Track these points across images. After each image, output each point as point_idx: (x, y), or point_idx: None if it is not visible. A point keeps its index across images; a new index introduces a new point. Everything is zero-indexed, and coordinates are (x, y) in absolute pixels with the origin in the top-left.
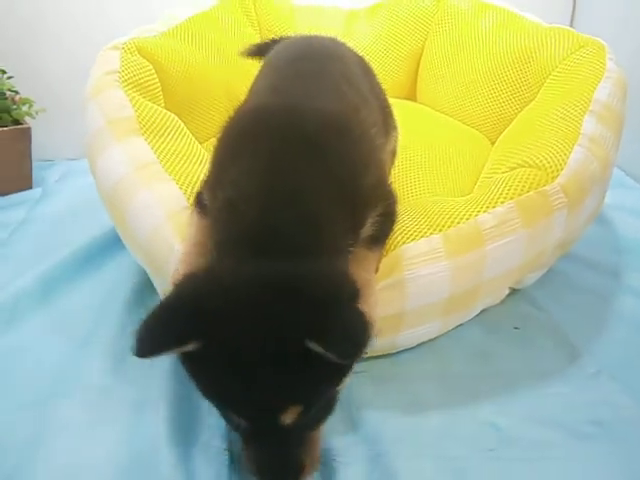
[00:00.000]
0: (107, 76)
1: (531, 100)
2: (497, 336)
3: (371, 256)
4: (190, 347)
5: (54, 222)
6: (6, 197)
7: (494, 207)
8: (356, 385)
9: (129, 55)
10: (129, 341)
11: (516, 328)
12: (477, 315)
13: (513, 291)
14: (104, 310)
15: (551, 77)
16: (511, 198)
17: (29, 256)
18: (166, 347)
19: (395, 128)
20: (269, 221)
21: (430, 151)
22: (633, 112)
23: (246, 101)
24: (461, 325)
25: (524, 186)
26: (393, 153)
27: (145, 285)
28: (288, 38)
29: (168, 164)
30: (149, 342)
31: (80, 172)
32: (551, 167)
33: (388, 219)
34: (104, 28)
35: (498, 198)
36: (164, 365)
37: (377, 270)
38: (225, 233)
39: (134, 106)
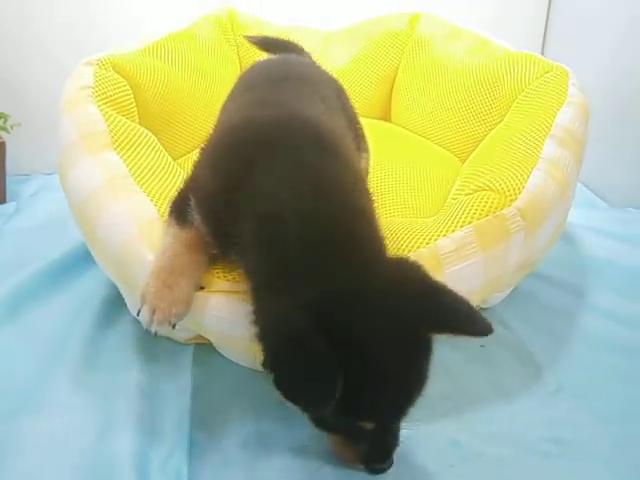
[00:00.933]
0: (81, 91)
1: (499, 123)
2: (463, 353)
3: None
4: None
5: (26, 236)
6: None
7: (454, 231)
8: None
9: (103, 71)
10: (97, 356)
11: (482, 346)
12: None
13: (480, 310)
14: (74, 324)
15: (517, 101)
16: (470, 222)
17: (0, 269)
18: (331, 394)
19: (366, 150)
20: (326, 238)
21: (402, 171)
22: (602, 130)
23: (225, 117)
24: None
25: (482, 209)
26: (365, 173)
27: (115, 299)
28: (264, 60)
29: (139, 177)
30: (314, 395)
31: (55, 187)
32: (509, 191)
33: None
34: (79, 44)
35: (458, 222)
36: (131, 380)
37: None
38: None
39: (107, 121)
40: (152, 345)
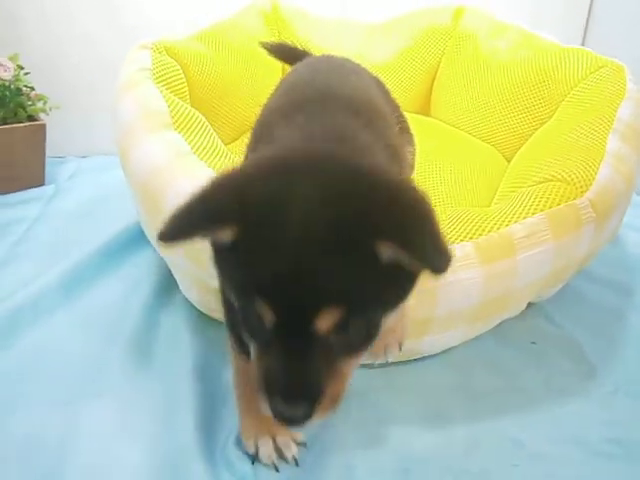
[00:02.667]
0: (140, 72)
1: (548, 118)
2: (514, 351)
3: None
4: (226, 233)
5: (68, 219)
6: (19, 193)
7: (524, 218)
8: (379, 397)
9: (158, 55)
10: (152, 339)
11: (533, 343)
12: (494, 328)
13: (529, 305)
14: (126, 308)
15: (570, 96)
16: (541, 210)
17: (46, 254)
18: (197, 229)
19: (412, 143)
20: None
21: (448, 165)
22: None
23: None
24: (479, 337)
25: (554, 199)
26: (411, 167)
27: (167, 281)
28: (307, 58)
29: (202, 155)
30: (179, 224)
31: (91, 170)
32: (580, 182)
33: None
34: (120, 29)
35: (529, 209)
36: (188, 364)
37: None
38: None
39: (167, 101)
40: (207, 327)
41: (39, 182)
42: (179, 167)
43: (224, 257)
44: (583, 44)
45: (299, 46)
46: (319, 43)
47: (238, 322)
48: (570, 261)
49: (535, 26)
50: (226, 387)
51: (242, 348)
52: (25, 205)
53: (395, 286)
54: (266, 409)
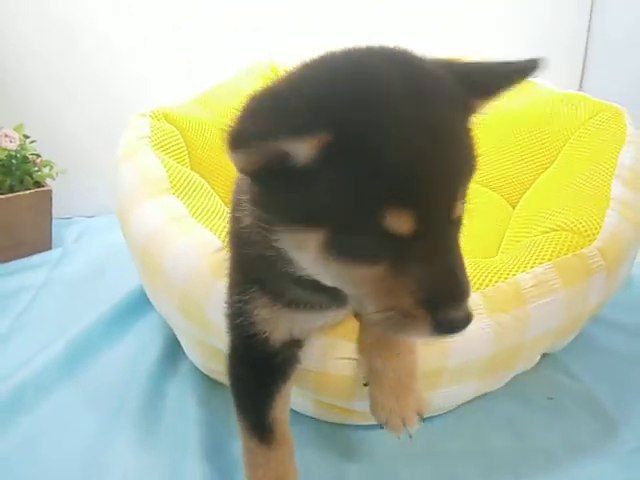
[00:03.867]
0: (139, 140)
1: (549, 163)
2: (531, 407)
3: None
4: (310, 147)
5: (74, 285)
6: (26, 259)
7: (532, 267)
8: (390, 464)
9: (157, 122)
10: (158, 412)
11: (550, 398)
12: (508, 384)
13: (543, 356)
14: (132, 378)
15: (570, 142)
16: (549, 260)
17: (51, 324)
18: (282, 135)
19: None
20: None
21: None
22: None
23: None
24: (493, 395)
25: (561, 248)
26: None
27: (172, 347)
28: None
29: (200, 218)
30: (256, 127)
31: (98, 230)
32: (587, 231)
33: None
34: (123, 95)
35: (536, 259)
36: (194, 437)
37: None
38: None
39: (165, 167)
40: (213, 395)
41: (46, 246)
42: (176, 230)
43: (296, 182)
44: (580, 89)
45: None
46: None
47: (246, 387)
48: (582, 310)
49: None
50: (233, 462)
51: (251, 419)
52: (32, 271)
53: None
54: (433, 330)
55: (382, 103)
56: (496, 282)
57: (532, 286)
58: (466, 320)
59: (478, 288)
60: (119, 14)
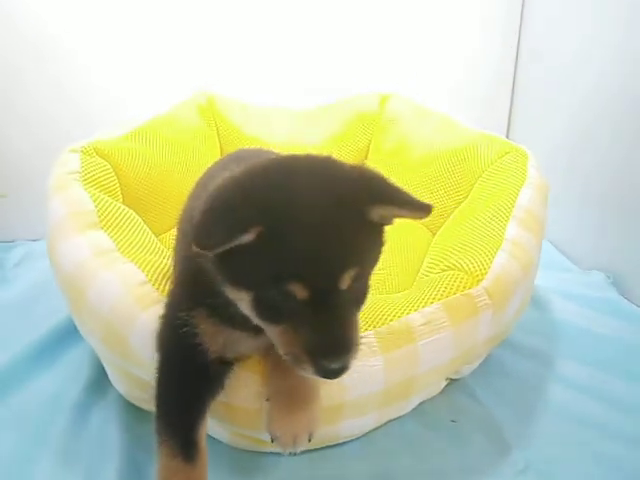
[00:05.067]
0: (68, 175)
1: (467, 196)
2: (434, 430)
3: None
4: (250, 236)
5: (9, 310)
6: None
7: (423, 307)
8: None
9: (87, 157)
10: (80, 442)
11: (453, 421)
12: (416, 407)
13: (451, 381)
14: (57, 407)
15: (480, 179)
16: (439, 299)
17: None
18: (231, 237)
19: None
20: None
21: None
22: (569, 194)
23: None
24: (401, 419)
25: (451, 288)
26: None
27: (99, 376)
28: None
29: (126, 252)
30: (214, 236)
31: (40, 254)
32: (476, 271)
33: None
34: (62, 125)
35: (427, 299)
36: (114, 464)
37: None
38: None
39: (94, 201)
40: (136, 424)
41: None
42: (101, 263)
43: (241, 256)
44: (508, 125)
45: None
46: (252, 131)
47: (176, 402)
48: (473, 344)
49: (461, 112)
50: None
51: (178, 437)
52: None
53: (377, 245)
54: (313, 373)
55: (296, 209)
56: (390, 320)
57: (422, 324)
58: (341, 370)
59: (375, 326)
60: (61, 39)
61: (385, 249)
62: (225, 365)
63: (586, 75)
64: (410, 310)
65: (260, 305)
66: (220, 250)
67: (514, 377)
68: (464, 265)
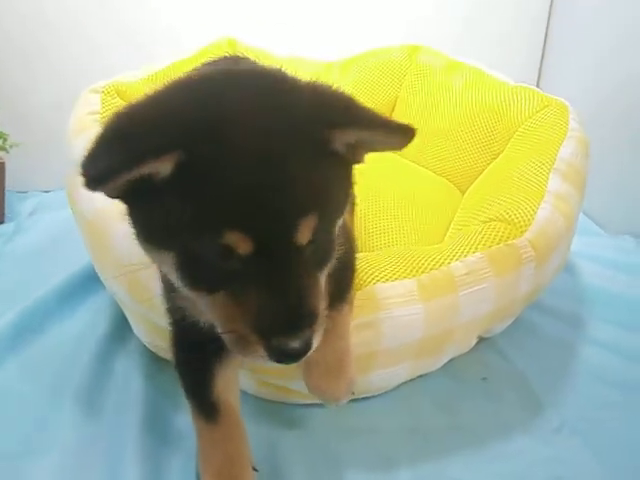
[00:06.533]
0: (89, 116)
1: (499, 153)
2: (465, 387)
3: (341, 319)
4: (166, 166)
5: (28, 259)
6: None
7: (465, 256)
8: (328, 439)
9: (109, 98)
10: (102, 390)
11: (484, 379)
12: (446, 364)
13: (481, 340)
14: (78, 355)
15: (517, 134)
16: (482, 249)
17: (0, 298)
18: (130, 164)
19: None
20: None
21: (402, 200)
22: (599, 164)
23: None
24: (430, 376)
25: (494, 238)
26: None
27: (120, 325)
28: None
29: None
30: (109, 162)
31: (54, 205)
32: (519, 222)
33: (347, 270)
34: (80, 69)
35: (470, 249)
36: (138, 413)
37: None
38: None
39: None
40: (158, 372)
41: None
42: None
43: (154, 199)
44: (538, 84)
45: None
46: None
47: (187, 368)
48: (512, 299)
49: (491, 66)
50: (176, 435)
51: (196, 399)
52: None
53: (343, 185)
54: (264, 355)
55: (230, 133)
56: (431, 269)
57: (464, 274)
58: (301, 351)
59: (414, 275)
60: None
61: (408, 202)
62: None
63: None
64: (452, 259)
65: (187, 268)
66: (115, 185)
67: (545, 338)
68: (506, 216)
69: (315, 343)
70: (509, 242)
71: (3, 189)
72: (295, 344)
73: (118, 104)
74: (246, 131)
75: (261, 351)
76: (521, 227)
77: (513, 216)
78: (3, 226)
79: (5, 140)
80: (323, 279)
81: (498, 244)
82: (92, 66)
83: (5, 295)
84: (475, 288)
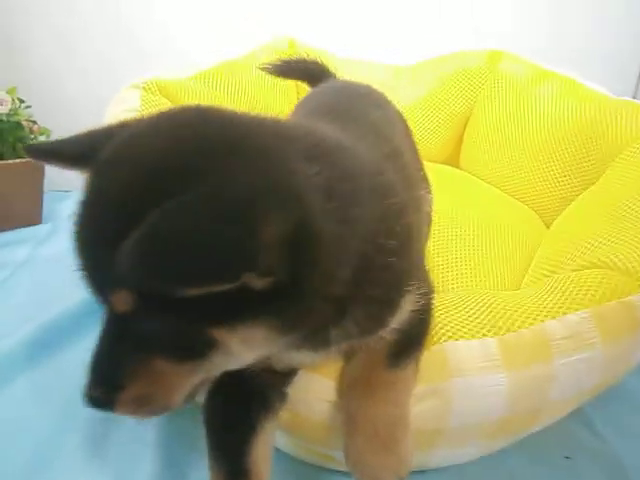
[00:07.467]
0: (126, 113)
1: (594, 181)
2: (543, 467)
3: (402, 379)
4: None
5: (54, 266)
6: (11, 233)
7: (565, 314)
8: None
9: (149, 94)
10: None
11: (567, 457)
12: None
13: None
14: None
15: (621, 157)
16: (586, 306)
17: (20, 309)
18: (61, 154)
19: (429, 193)
20: None
21: (480, 227)
22: None
23: None
24: (504, 450)
25: (604, 292)
26: (428, 222)
27: None
28: (327, 83)
29: None
30: (51, 144)
31: None
32: (637, 272)
33: (422, 318)
34: (126, 65)
35: (570, 303)
36: (149, 437)
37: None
38: None
39: None
40: (175, 416)
41: (36, 220)
42: None
43: None
44: (635, 97)
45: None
46: None
47: (222, 418)
48: (624, 368)
49: (581, 75)
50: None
51: (224, 464)
52: (15, 246)
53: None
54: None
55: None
56: (519, 327)
57: (563, 338)
58: (94, 403)
59: (496, 333)
60: None
61: (486, 231)
62: (276, 377)
63: None
64: (547, 315)
65: None
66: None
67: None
68: (618, 263)
69: (117, 410)
70: (624, 299)
71: (42, 187)
72: (89, 393)
73: (159, 101)
74: (103, 180)
75: None
76: (638, 279)
77: (627, 263)
78: (38, 227)
79: (48, 136)
80: (181, 373)
81: (609, 300)
82: (139, 62)
83: (25, 305)
84: (576, 357)
